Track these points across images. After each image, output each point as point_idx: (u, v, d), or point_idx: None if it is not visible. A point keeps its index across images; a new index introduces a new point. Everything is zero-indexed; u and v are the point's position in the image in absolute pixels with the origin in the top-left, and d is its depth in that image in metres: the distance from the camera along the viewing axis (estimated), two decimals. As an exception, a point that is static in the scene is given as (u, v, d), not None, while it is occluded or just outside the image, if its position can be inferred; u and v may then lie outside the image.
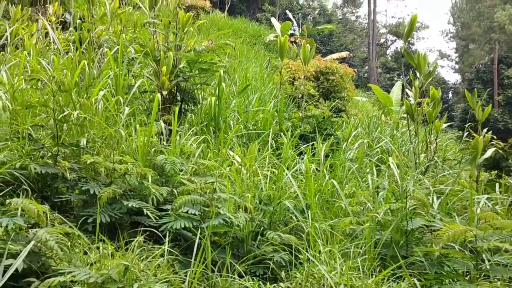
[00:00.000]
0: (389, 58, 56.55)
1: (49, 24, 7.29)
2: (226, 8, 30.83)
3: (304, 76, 11.30)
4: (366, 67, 50.32)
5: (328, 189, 5.03)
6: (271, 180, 4.99)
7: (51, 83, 3.60)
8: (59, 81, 3.56)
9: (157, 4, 5.76)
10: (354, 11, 64.65)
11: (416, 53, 6.53)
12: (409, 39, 56.27)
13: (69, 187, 3.58)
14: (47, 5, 9.32)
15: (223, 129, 5.25)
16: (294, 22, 31.43)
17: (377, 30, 55.25)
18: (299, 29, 31.76)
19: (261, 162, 5.63)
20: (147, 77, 5.48)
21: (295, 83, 11.48)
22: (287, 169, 5.63)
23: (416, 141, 6.48)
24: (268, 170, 5.28)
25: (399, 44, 58.64)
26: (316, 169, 5.59)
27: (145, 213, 3.26)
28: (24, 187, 3.18)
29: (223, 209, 3.64)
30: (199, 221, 3.37)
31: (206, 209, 3.44)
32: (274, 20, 25.40)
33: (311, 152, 6.27)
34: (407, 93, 6.81)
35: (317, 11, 52.38)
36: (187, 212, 3.39)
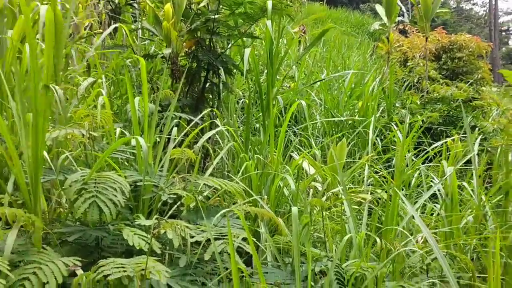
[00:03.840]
0: (515, 47, 49.78)
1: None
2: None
3: (421, 55, 8.40)
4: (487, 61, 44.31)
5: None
6: (374, 217, 2.39)
7: None
8: None
9: None
10: (469, -2, 58.47)
11: None
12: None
13: None
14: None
15: (274, 114, 2.73)
16: (403, 8, 27.49)
17: (498, 17, 48.78)
18: (408, 17, 28.13)
19: (352, 177, 3.04)
20: (147, 29, 3.15)
21: (408, 64, 8.60)
22: (404, 189, 2.98)
23: None
24: (367, 192, 2.69)
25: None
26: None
27: None
28: None
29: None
30: None
31: None
32: (379, 7, 22.35)
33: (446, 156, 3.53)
34: None
35: (427, 0, 47.71)
36: None
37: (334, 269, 1.68)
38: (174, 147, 2.30)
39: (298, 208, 2.43)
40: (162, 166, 2.18)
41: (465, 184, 2.64)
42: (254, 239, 2.29)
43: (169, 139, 2.42)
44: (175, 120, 2.46)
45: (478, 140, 3.34)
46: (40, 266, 1.34)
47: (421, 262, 2.14)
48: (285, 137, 3.97)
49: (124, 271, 1.26)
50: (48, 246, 1.50)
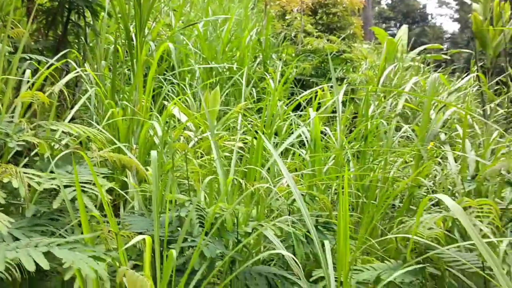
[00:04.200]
0: (385, 7, 53.02)
1: None
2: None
3: (299, 9, 8.57)
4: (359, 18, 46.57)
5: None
6: (244, 163, 2.43)
7: None
8: None
9: None
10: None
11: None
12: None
13: None
14: None
15: (143, 58, 2.60)
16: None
17: (372, -23, 51.12)
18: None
19: (227, 126, 3.06)
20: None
21: (286, 18, 8.74)
22: (276, 135, 3.06)
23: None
24: (239, 140, 2.70)
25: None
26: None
27: None
28: None
29: None
30: None
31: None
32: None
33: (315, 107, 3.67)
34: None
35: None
36: None
37: (196, 212, 1.67)
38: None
39: (165, 153, 2.38)
40: (13, 112, 1.98)
41: (327, 129, 2.77)
42: (120, 190, 2.22)
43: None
44: (27, 62, 2.24)
45: (343, 90, 3.50)
46: None
47: (287, 205, 2.23)
48: (161, 87, 3.84)
49: (-49, 221, 1.12)
50: None
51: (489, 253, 1.10)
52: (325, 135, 3.18)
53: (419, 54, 11.32)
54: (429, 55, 11.94)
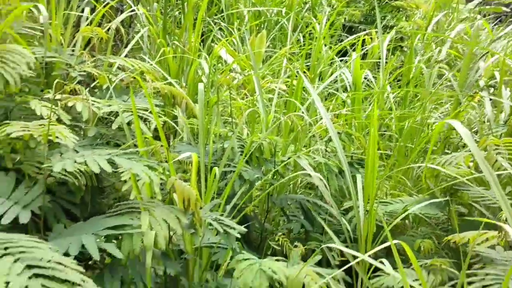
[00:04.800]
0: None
1: None
2: None
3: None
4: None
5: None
6: (287, 104, 2.55)
7: None
8: None
9: None
10: None
11: None
12: None
13: None
14: None
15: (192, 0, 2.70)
16: None
17: None
18: None
19: (272, 70, 3.16)
20: None
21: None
22: (320, 79, 3.14)
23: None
24: (282, 83, 2.82)
25: None
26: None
27: None
28: None
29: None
30: None
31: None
32: None
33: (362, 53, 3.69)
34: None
35: None
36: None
37: (238, 143, 1.82)
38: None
39: (211, 92, 2.53)
40: (74, 45, 2.17)
41: (369, 73, 2.83)
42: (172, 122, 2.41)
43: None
44: (86, 1, 2.41)
45: (389, 37, 3.50)
46: None
47: (324, 142, 2.35)
48: (211, 31, 3.96)
49: (28, 131, 1.31)
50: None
51: (491, 173, 1.18)
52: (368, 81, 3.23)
53: (477, 5, 10.72)
54: (487, 7, 11.28)
